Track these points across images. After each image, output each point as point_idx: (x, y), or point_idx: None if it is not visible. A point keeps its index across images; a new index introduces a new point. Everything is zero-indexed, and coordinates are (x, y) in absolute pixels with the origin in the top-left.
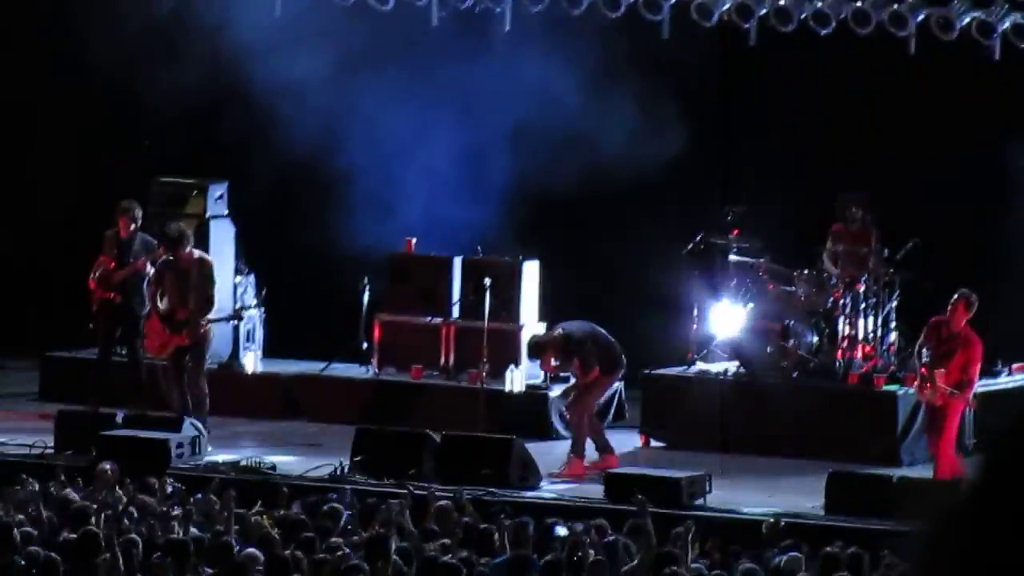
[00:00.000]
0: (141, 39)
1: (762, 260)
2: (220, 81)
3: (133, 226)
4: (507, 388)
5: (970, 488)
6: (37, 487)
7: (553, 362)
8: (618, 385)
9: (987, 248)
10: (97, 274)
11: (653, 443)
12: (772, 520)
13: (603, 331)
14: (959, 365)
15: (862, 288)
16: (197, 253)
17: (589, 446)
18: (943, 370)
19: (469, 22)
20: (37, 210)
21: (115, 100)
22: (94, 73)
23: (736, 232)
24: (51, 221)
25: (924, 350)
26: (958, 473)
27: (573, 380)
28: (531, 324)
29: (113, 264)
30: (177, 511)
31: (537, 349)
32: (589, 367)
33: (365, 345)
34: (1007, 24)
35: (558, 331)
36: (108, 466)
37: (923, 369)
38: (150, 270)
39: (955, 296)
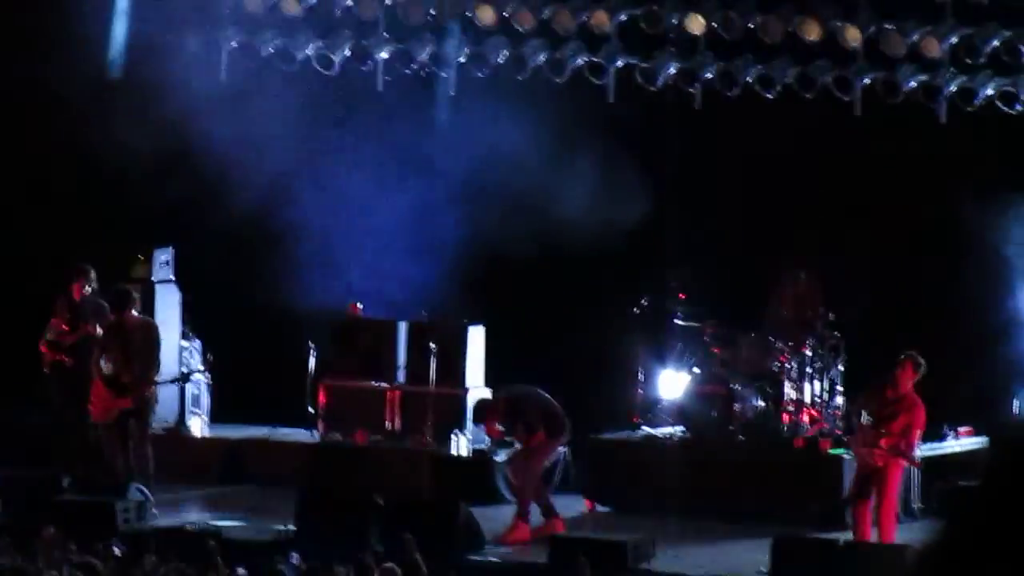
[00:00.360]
0: (89, 102)
1: (707, 324)
2: (165, 145)
3: (87, 289)
4: (452, 452)
5: (929, 554)
6: None
7: (498, 427)
8: (563, 449)
9: (934, 311)
10: (48, 337)
11: (599, 507)
12: None
13: (547, 396)
14: (901, 428)
15: (808, 352)
16: (141, 317)
17: (534, 510)
18: (885, 432)
19: (416, 85)
20: None
21: (61, 163)
22: (38, 136)
23: (681, 296)
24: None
25: (864, 412)
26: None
27: (518, 445)
28: (477, 388)
29: (66, 327)
30: None
31: (482, 414)
32: (533, 431)
33: (310, 409)
34: (953, 87)
35: (502, 395)
36: (52, 530)
37: (862, 432)
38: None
39: (902, 358)
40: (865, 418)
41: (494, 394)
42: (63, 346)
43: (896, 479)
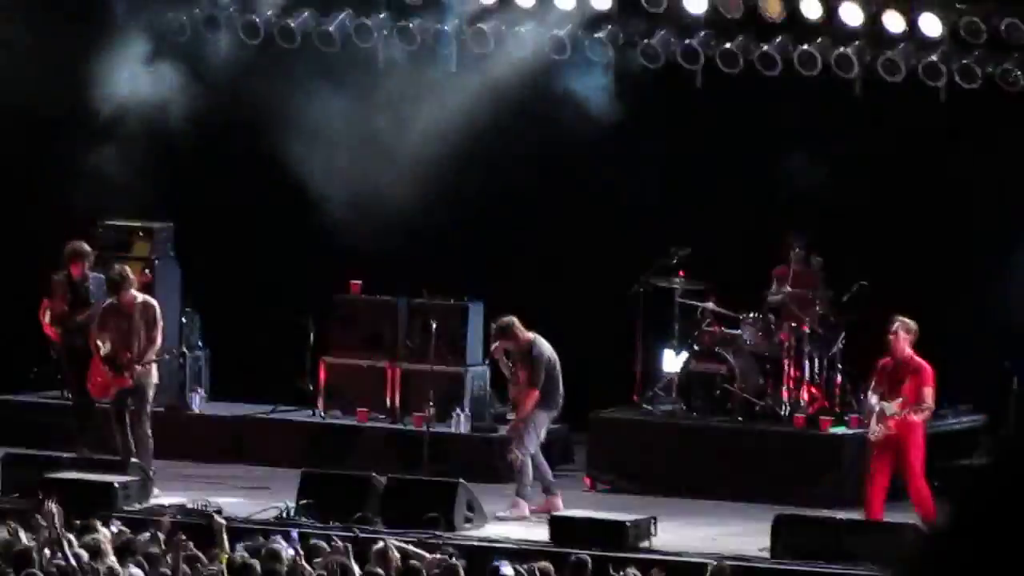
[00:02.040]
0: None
1: (708, 302)
2: (162, 124)
3: (87, 268)
4: (453, 430)
5: (942, 534)
6: None
7: (506, 357)
8: (562, 427)
9: (934, 289)
10: (48, 319)
11: (598, 485)
12: (717, 564)
13: (558, 369)
14: (911, 391)
15: (808, 330)
16: (140, 296)
17: (535, 488)
18: (899, 399)
19: (417, 60)
20: None
21: (55, 139)
22: (27, 109)
23: (682, 274)
24: None
25: (874, 394)
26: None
27: (511, 416)
28: (477, 366)
29: (67, 308)
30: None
31: (505, 332)
32: (531, 384)
33: (310, 387)
34: (956, 66)
35: (532, 335)
36: (53, 508)
37: (875, 410)
38: None
39: (893, 325)
40: (875, 399)
41: (525, 328)
42: (71, 327)
43: (917, 449)
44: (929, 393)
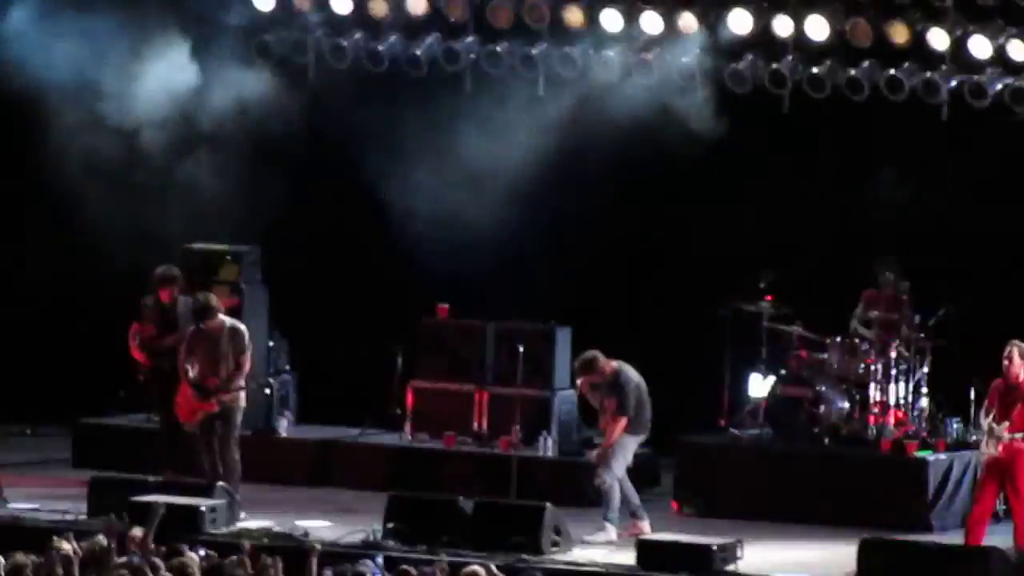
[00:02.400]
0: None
1: (794, 326)
2: (256, 145)
3: (176, 292)
4: (540, 454)
5: None
6: (72, 551)
7: (591, 388)
8: (649, 451)
9: (1022, 314)
10: (137, 342)
11: (685, 509)
12: None
13: (646, 390)
14: (1020, 416)
15: (894, 354)
16: (227, 320)
17: (622, 512)
18: (1007, 422)
19: (504, 86)
20: (67, 276)
21: (148, 165)
22: (121, 141)
23: (768, 298)
24: (82, 288)
25: (986, 416)
26: None
27: (600, 424)
28: (564, 391)
29: (155, 332)
30: None
31: (588, 367)
32: (621, 412)
33: (398, 411)
34: None
35: (615, 363)
36: (138, 532)
37: (986, 431)
38: None
39: (1008, 348)
40: (986, 421)
41: (607, 356)
42: (160, 351)
43: None
44: None
